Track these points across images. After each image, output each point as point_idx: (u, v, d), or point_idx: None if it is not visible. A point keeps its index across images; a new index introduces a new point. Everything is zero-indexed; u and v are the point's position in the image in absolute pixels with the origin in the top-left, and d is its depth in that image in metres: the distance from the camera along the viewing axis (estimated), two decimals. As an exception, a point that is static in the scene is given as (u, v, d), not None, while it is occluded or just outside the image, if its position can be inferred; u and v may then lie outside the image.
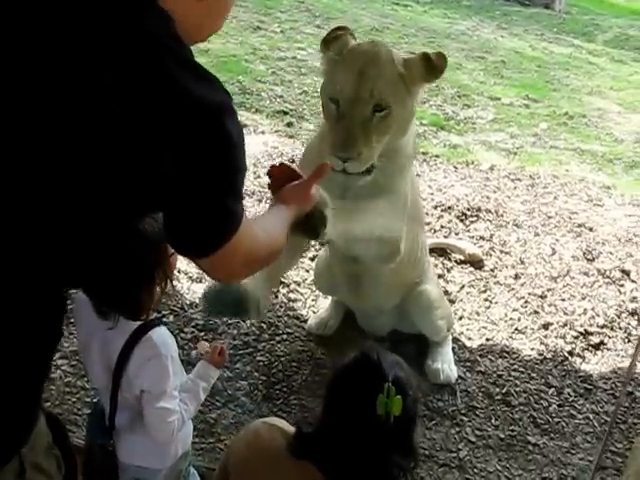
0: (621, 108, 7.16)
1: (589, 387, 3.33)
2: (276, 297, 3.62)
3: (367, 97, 2.45)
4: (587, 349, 3.56)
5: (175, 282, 3.33)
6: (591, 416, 3.17)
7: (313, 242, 3.12)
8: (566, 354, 3.50)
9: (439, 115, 6.22)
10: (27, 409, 1.40)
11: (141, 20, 1.22)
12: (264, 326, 3.41)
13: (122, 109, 1.20)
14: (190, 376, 2.11)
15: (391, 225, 2.72)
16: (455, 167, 5.27)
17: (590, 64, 8.66)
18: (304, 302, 3.63)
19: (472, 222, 4.47)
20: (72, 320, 2.17)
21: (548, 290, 3.93)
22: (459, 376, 3.26)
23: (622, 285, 4.02)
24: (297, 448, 1.66)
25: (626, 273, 4.12)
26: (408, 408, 1.54)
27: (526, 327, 3.65)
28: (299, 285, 3.73)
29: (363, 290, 3.08)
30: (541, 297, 3.87)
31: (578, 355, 3.51)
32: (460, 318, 3.65)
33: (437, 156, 5.40)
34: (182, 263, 3.42)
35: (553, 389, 3.29)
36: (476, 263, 4.07)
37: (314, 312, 3.54)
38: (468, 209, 4.56)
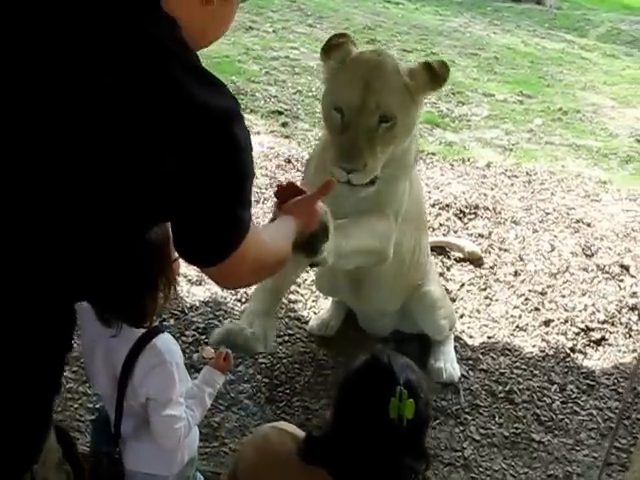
0: (615, 103, 7.17)
1: (592, 383, 3.33)
2: (276, 299, 3.60)
3: (373, 107, 2.44)
4: (589, 345, 3.56)
5: (175, 286, 3.32)
6: (595, 412, 3.17)
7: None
8: (568, 350, 3.50)
9: (434, 113, 6.20)
10: (38, 426, 1.39)
11: (146, 25, 1.21)
12: (265, 328, 3.39)
13: (126, 114, 1.18)
14: (195, 382, 2.09)
15: (381, 235, 2.70)
16: (451, 165, 5.27)
17: (582, 59, 8.66)
18: (305, 303, 3.62)
19: (470, 220, 4.46)
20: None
21: (548, 287, 3.92)
22: (462, 375, 3.26)
23: (622, 280, 4.02)
24: (307, 453, 1.64)
25: (625, 268, 4.12)
26: (420, 411, 1.53)
27: (527, 324, 3.65)
28: (299, 286, 3.71)
29: (364, 293, 3.06)
30: (541, 294, 3.87)
31: (580, 351, 3.51)
32: (461, 316, 3.64)
33: (433, 154, 5.39)
34: (181, 266, 3.40)
35: (556, 386, 3.28)
36: (475, 261, 4.07)
37: (315, 313, 3.53)
38: (466, 207, 4.56)
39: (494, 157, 5.53)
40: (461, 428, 3.02)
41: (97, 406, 2.85)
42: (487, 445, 2.97)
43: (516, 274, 4.00)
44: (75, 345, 2.82)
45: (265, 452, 1.73)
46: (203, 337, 3.30)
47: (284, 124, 5.57)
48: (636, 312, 3.77)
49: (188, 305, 3.48)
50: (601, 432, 3.07)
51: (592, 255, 4.23)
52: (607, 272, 4.08)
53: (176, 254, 1.88)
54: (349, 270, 2.95)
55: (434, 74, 2.52)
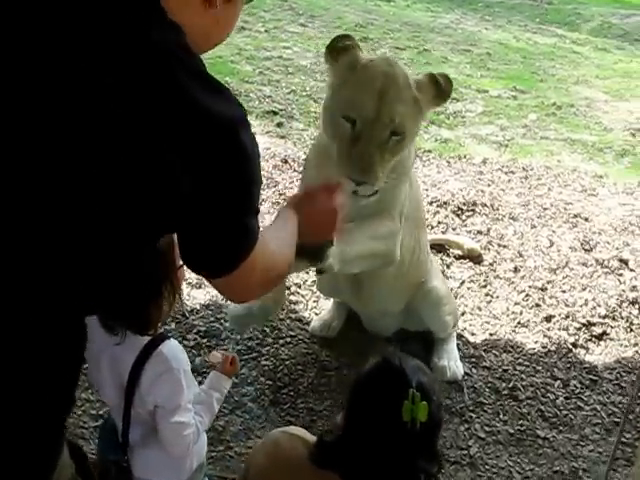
0: (608, 96, 7.17)
1: (594, 378, 3.33)
2: (277, 300, 3.60)
3: (387, 121, 2.43)
4: (590, 340, 3.57)
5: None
6: (598, 407, 3.17)
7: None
8: (570, 346, 3.50)
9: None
10: (51, 444, 1.37)
11: (150, 31, 1.19)
12: (267, 330, 3.39)
13: (130, 121, 1.17)
14: (203, 387, 2.08)
15: (387, 237, 2.70)
16: (448, 162, 5.26)
17: (574, 53, 8.67)
18: (306, 304, 3.61)
19: (468, 217, 4.46)
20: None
21: (548, 282, 3.93)
22: (465, 372, 3.26)
23: (621, 274, 4.03)
24: (319, 457, 1.64)
25: (624, 262, 4.12)
26: (433, 413, 1.52)
27: (528, 320, 3.65)
28: (300, 287, 3.70)
29: (365, 294, 3.06)
30: (542, 290, 3.87)
31: (582, 346, 3.52)
32: (462, 314, 3.64)
33: (429, 151, 5.39)
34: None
35: (559, 382, 3.29)
36: (475, 258, 4.07)
37: (316, 314, 3.52)
38: (464, 204, 4.55)
39: (490, 153, 5.53)
40: (466, 426, 3.03)
41: (100, 412, 2.84)
42: (492, 442, 2.97)
43: (516, 270, 4.00)
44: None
45: (276, 457, 1.73)
46: (205, 340, 3.29)
47: (279, 124, 5.55)
48: (636, 306, 3.78)
49: (189, 309, 3.47)
50: (605, 427, 3.08)
51: (591, 250, 4.24)
52: (606, 266, 4.08)
53: (181, 261, 1.88)
54: None
55: (440, 88, 2.52)
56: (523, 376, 3.29)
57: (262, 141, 5.20)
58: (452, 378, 3.19)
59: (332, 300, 3.45)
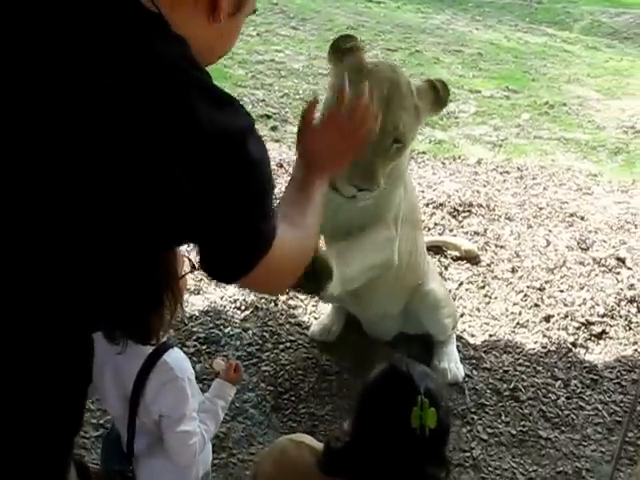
0: (600, 95, 7.20)
1: (595, 377, 3.34)
2: (276, 305, 3.59)
3: (391, 130, 2.43)
4: (590, 339, 3.57)
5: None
6: (600, 407, 3.18)
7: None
8: (569, 345, 3.50)
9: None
10: (58, 465, 1.35)
11: (155, 44, 1.18)
12: (267, 335, 3.38)
13: (135, 134, 1.15)
14: (207, 395, 2.07)
15: (384, 246, 2.71)
16: (442, 163, 5.26)
17: (565, 52, 8.69)
18: (305, 309, 3.60)
19: (465, 218, 4.46)
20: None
21: (546, 282, 3.93)
22: (466, 374, 3.26)
23: (618, 273, 4.04)
24: (327, 464, 1.63)
25: (621, 260, 4.13)
26: (442, 419, 1.52)
27: (528, 321, 3.66)
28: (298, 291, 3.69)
29: (364, 297, 3.04)
30: (540, 289, 3.87)
31: (581, 346, 3.52)
32: (461, 315, 3.64)
33: (424, 153, 5.38)
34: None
35: (560, 381, 3.29)
36: (472, 259, 4.07)
37: (316, 318, 3.51)
38: (460, 205, 4.55)
39: (484, 153, 5.54)
40: (468, 428, 3.02)
41: (101, 422, 2.83)
42: (495, 444, 2.97)
43: (513, 271, 4.01)
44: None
45: (283, 465, 1.72)
46: (204, 347, 3.28)
47: (273, 128, 5.54)
48: (635, 304, 3.79)
49: (187, 315, 3.45)
50: (607, 426, 3.09)
51: (588, 249, 4.25)
52: (604, 265, 4.09)
53: (182, 270, 1.88)
54: None
55: (438, 95, 2.52)
56: (524, 377, 3.29)
57: (257, 145, 5.19)
58: (453, 380, 3.19)
59: (331, 304, 3.44)
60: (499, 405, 3.14)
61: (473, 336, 3.54)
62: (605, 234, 4.41)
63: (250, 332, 3.38)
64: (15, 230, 1.20)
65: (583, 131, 6.19)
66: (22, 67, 1.17)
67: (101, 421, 2.83)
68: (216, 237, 1.26)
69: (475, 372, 3.30)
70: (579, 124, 6.34)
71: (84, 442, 2.79)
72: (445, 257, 4.07)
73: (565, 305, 3.76)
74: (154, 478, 2.00)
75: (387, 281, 2.94)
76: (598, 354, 3.49)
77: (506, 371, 3.32)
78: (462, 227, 4.38)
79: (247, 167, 1.22)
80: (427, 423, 1.48)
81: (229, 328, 3.39)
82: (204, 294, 3.57)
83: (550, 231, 4.40)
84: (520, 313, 3.70)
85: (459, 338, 3.46)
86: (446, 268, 3.99)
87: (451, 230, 4.33)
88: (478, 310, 3.72)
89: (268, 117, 5.72)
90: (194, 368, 3.02)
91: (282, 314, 3.53)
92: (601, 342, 3.56)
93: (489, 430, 3.02)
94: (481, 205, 4.59)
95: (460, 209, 4.52)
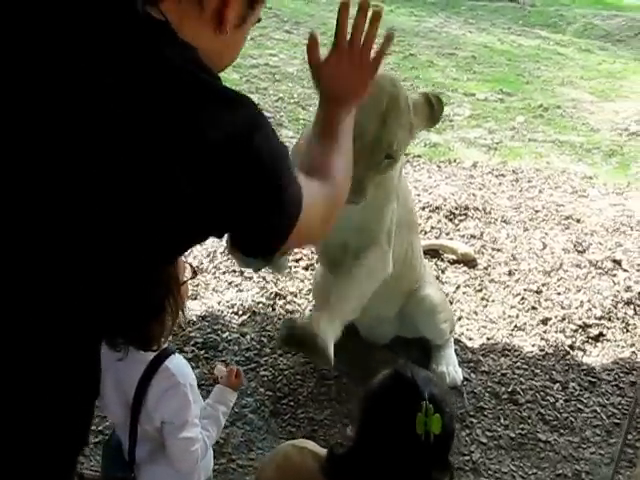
0: (593, 97, 7.23)
1: (593, 380, 3.34)
2: (273, 309, 3.59)
3: (385, 146, 2.42)
4: (587, 342, 3.58)
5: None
6: (598, 409, 3.18)
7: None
8: (567, 348, 3.51)
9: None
10: (63, 478, 1.34)
11: (162, 48, 1.18)
12: (265, 340, 3.37)
13: (139, 137, 1.15)
14: (208, 401, 2.07)
15: (378, 269, 2.74)
16: (438, 166, 5.27)
17: (559, 55, 8.73)
18: (302, 313, 3.60)
19: (461, 221, 4.47)
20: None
21: (543, 285, 3.94)
22: (464, 378, 3.25)
23: (615, 275, 4.05)
24: (331, 470, 1.62)
25: (617, 263, 4.14)
26: (446, 424, 1.52)
27: (525, 323, 3.66)
28: (295, 296, 3.69)
29: None
30: (537, 292, 3.88)
31: (579, 348, 3.53)
32: (459, 318, 3.64)
33: (419, 156, 5.39)
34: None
35: (558, 384, 3.29)
36: (469, 262, 4.07)
37: (313, 322, 3.51)
38: (456, 208, 4.56)
39: (479, 157, 5.55)
40: (467, 432, 3.02)
41: (100, 428, 2.81)
42: (494, 447, 2.97)
43: (510, 274, 4.01)
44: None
45: (286, 471, 1.72)
46: (202, 352, 3.27)
47: (268, 132, 5.53)
48: (631, 306, 3.80)
49: (185, 320, 3.44)
50: (606, 429, 3.09)
51: (584, 251, 4.26)
52: (600, 267, 4.10)
53: (184, 277, 1.87)
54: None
55: (432, 111, 2.52)
56: (522, 380, 3.29)
57: (252, 149, 5.19)
58: (451, 384, 3.18)
59: (329, 308, 3.44)
60: (498, 408, 3.14)
61: (471, 339, 3.54)
62: (601, 236, 4.42)
63: (248, 337, 3.37)
64: (17, 235, 1.20)
65: (577, 133, 6.21)
66: (24, 68, 1.16)
67: (100, 427, 2.82)
68: (241, 227, 1.27)
69: (473, 375, 3.30)
70: (573, 126, 6.36)
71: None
72: (442, 260, 4.08)
73: (562, 308, 3.76)
74: (156, 485, 1.99)
75: (382, 284, 2.93)
76: (596, 356, 3.49)
77: (504, 374, 3.32)
78: (458, 230, 4.38)
79: (255, 163, 1.21)
80: (432, 429, 1.48)
81: (227, 333, 3.38)
82: (201, 299, 3.57)
83: (546, 234, 4.42)
84: (517, 316, 3.71)
85: (457, 341, 3.46)
86: (443, 271, 4.00)
87: (447, 233, 4.34)
88: (475, 313, 3.72)
89: (263, 121, 5.70)
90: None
91: (280, 318, 3.52)
92: (598, 344, 3.56)
93: (488, 433, 3.02)
94: (477, 208, 4.60)
95: (456, 212, 4.53)
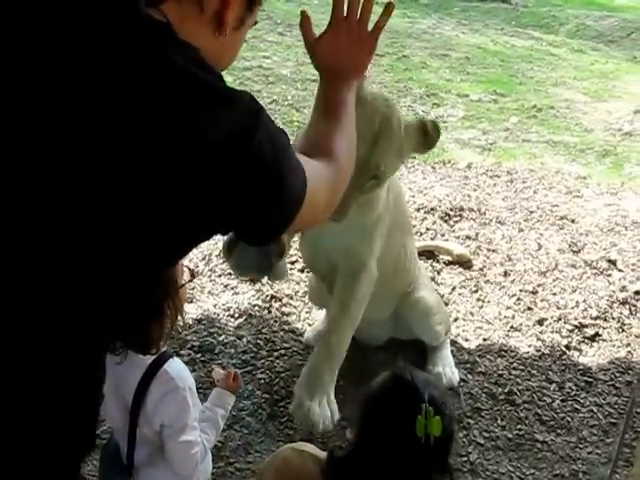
0: (587, 97, 7.25)
1: (589, 380, 3.35)
2: (269, 312, 3.58)
3: (373, 167, 2.40)
4: (583, 342, 3.58)
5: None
6: (595, 409, 3.19)
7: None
8: (563, 348, 3.51)
9: (410, 115, 6.22)
10: None
11: (164, 48, 1.18)
12: (261, 343, 3.37)
13: (136, 137, 1.14)
14: (207, 404, 2.07)
15: (366, 291, 2.81)
16: (433, 167, 5.28)
17: (552, 55, 8.76)
18: (298, 315, 3.60)
19: (456, 222, 4.48)
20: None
21: (538, 285, 3.95)
22: (461, 378, 3.25)
23: (610, 275, 4.06)
24: (331, 473, 1.62)
25: (612, 263, 4.16)
26: (446, 427, 1.52)
27: (521, 324, 3.66)
28: (291, 298, 3.69)
29: None
30: (532, 293, 3.89)
31: (575, 348, 3.53)
32: (455, 319, 3.64)
33: (413, 157, 5.39)
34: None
35: (554, 385, 3.30)
36: (465, 263, 4.08)
37: (309, 325, 3.51)
38: (451, 209, 4.57)
39: (474, 157, 5.56)
40: (464, 432, 3.02)
41: (97, 432, 2.80)
42: (492, 448, 2.97)
43: (506, 274, 4.02)
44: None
45: (286, 474, 1.71)
46: (199, 355, 3.27)
47: (263, 134, 5.53)
48: (627, 306, 3.81)
49: (181, 323, 3.43)
50: (603, 428, 3.09)
51: (579, 251, 4.27)
52: (595, 267, 4.11)
53: (182, 279, 1.87)
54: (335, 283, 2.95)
55: (426, 138, 2.51)
56: (519, 380, 3.30)
57: (247, 152, 5.18)
58: (448, 385, 3.18)
59: (324, 310, 3.44)
60: (495, 409, 3.14)
61: (467, 340, 3.55)
62: (596, 236, 4.43)
63: (244, 340, 3.37)
64: (15, 236, 1.19)
65: (571, 134, 6.23)
66: (25, 68, 1.16)
67: (97, 432, 2.80)
68: (245, 221, 1.27)
69: (470, 376, 3.31)
70: (567, 127, 6.38)
71: (80, 453, 2.77)
72: (437, 262, 4.08)
73: (558, 308, 3.77)
74: (155, 489, 1.99)
75: (376, 285, 2.93)
76: (592, 356, 3.50)
77: (501, 375, 3.32)
78: (454, 231, 4.39)
79: (255, 161, 1.21)
80: (432, 432, 1.48)
81: (223, 336, 3.37)
82: (197, 302, 3.56)
83: (541, 234, 4.43)
84: (513, 317, 3.71)
85: (453, 342, 3.46)
86: (439, 273, 4.00)
87: (443, 235, 4.34)
88: (471, 314, 3.72)
89: (257, 123, 5.70)
90: (189, 377, 3.03)
91: (276, 321, 3.52)
92: (594, 344, 3.57)
93: (485, 434, 3.03)
94: (472, 209, 4.61)
95: (451, 213, 4.53)
